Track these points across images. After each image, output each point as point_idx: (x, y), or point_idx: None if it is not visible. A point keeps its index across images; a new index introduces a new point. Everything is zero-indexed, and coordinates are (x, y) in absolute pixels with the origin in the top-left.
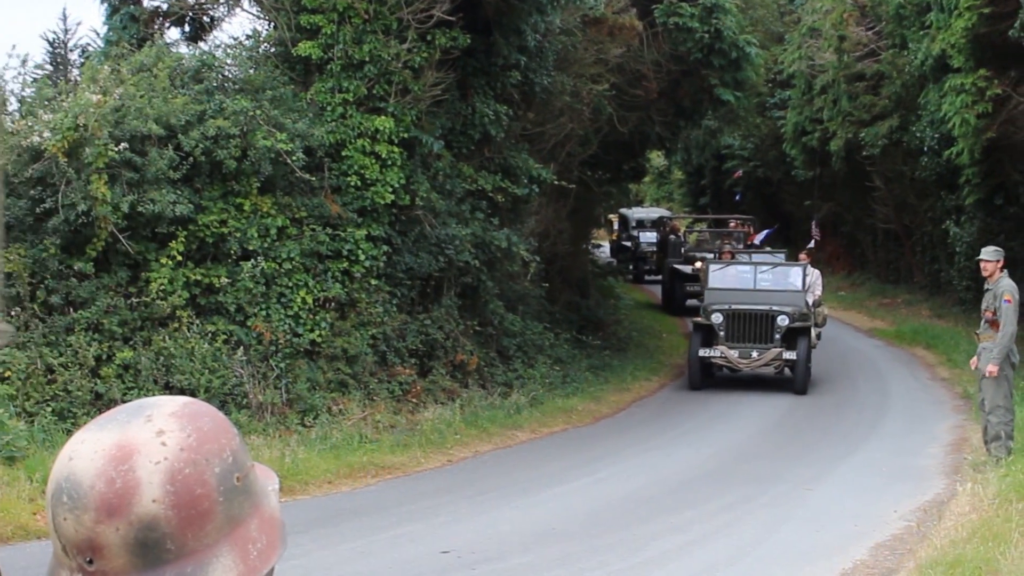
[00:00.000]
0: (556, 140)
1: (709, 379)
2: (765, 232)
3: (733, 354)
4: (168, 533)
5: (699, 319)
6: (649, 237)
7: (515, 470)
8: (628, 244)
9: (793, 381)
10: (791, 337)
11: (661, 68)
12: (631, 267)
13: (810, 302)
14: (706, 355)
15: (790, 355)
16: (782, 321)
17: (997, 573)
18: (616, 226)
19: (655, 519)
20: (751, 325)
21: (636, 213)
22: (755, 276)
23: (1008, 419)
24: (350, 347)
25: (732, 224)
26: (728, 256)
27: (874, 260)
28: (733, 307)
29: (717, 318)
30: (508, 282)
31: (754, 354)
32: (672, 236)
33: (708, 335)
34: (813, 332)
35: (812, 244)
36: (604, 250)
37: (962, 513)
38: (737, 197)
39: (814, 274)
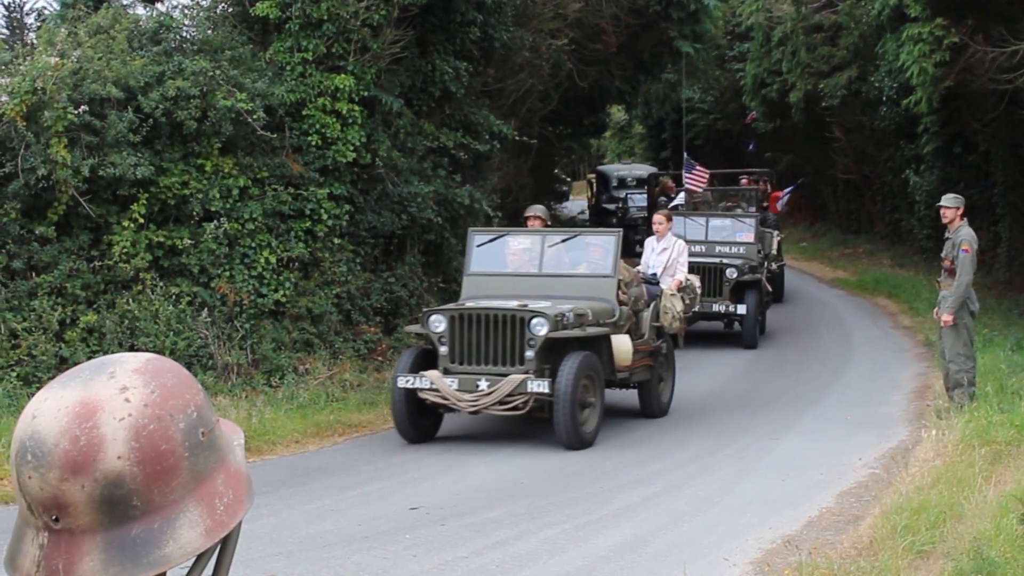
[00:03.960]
0: (516, 96)
1: None
2: (788, 189)
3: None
4: (134, 489)
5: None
6: (640, 200)
7: (482, 426)
8: (612, 208)
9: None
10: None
11: (620, 22)
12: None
13: (665, 286)
14: None
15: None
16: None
17: (961, 517)
18: (594, 187)
19: (621, 472)
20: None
21: (618, 170)
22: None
23: (969, 366)
24: (315, 306)
25: (744, 180)
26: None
27: (835, 211)
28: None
29: None
30: None
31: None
32: (663, 198)
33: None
34: (677, 326)
35: (674, 203)
36: (570, 209)
37: (926, 459)
38: (751, 147)
39: (676, 247)
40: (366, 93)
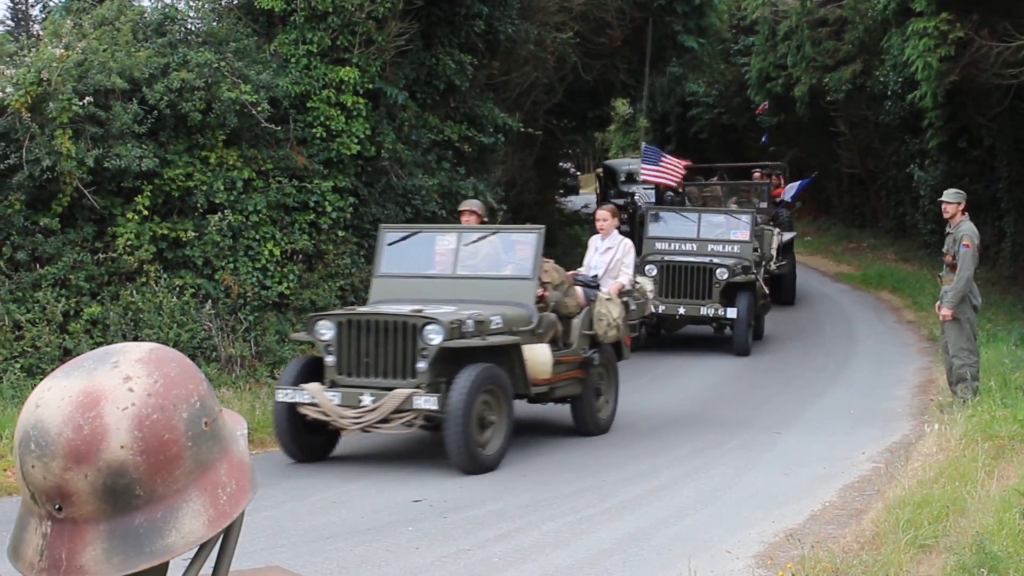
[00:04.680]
0: (521, 89)
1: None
2: (797, 184)
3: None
4: (137, 479)
5: None
6: (650, 196)
7: None
8: (620, 203)
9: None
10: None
11: (625, 15)
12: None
13: (605, 290)
14: None
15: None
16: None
17: (964, 511)
18: (602, 181)
19: (624, 465)
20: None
21: (625, 165)
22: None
23: (972, 360)
24: (318, 299)
25: (756, 174)
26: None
27: (839, 205)
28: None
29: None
30: None
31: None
32: (669, 193)
33: None
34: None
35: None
36: (574, 203)
37: (929, 454)
38: (764, 139)
39: (621, 247)
40: (371, 86)
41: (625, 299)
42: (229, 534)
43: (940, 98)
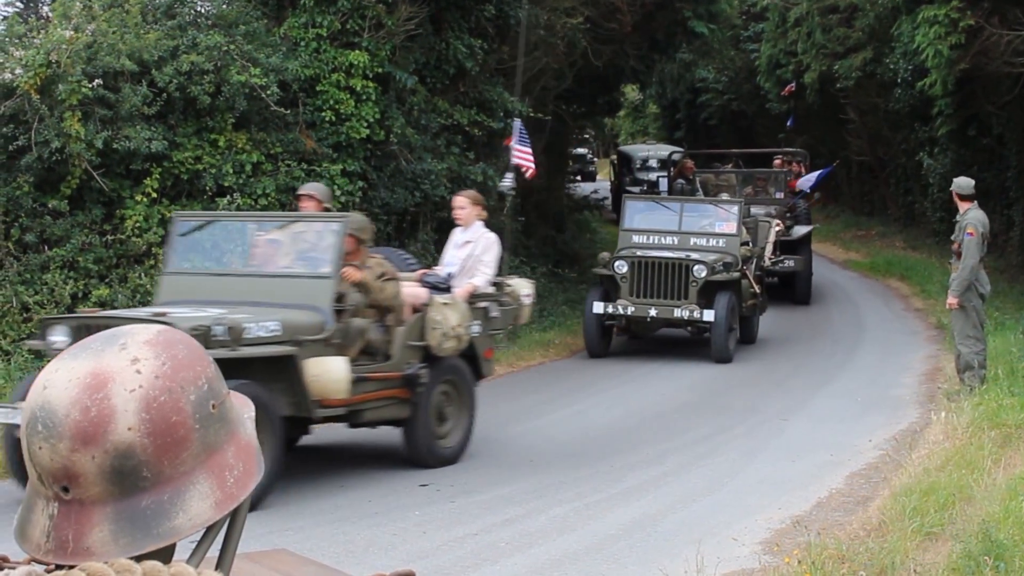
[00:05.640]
0: (531, 74)
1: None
2: (816, 175)
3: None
4: (144, 461)
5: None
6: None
7: (492, 404)
8: (636, 191)
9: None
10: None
11: (635, 1)
12: None
13: (447, 295)
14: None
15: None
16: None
17: (970, 499)
18: (616, 168)
19: (632, 451)
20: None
21: (642, 151)
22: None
23: (979, 348)
24: None
25: (777, 161)
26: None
27: (848, 192)
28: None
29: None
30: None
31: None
32: (680, 180)
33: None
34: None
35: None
36: (583, 190)
37: (936, 441)
38: (789, 123)
39: (482, 242)
40: (380, 70)
41: (484, 304)
42: (236, 517)
43: (950, 86)
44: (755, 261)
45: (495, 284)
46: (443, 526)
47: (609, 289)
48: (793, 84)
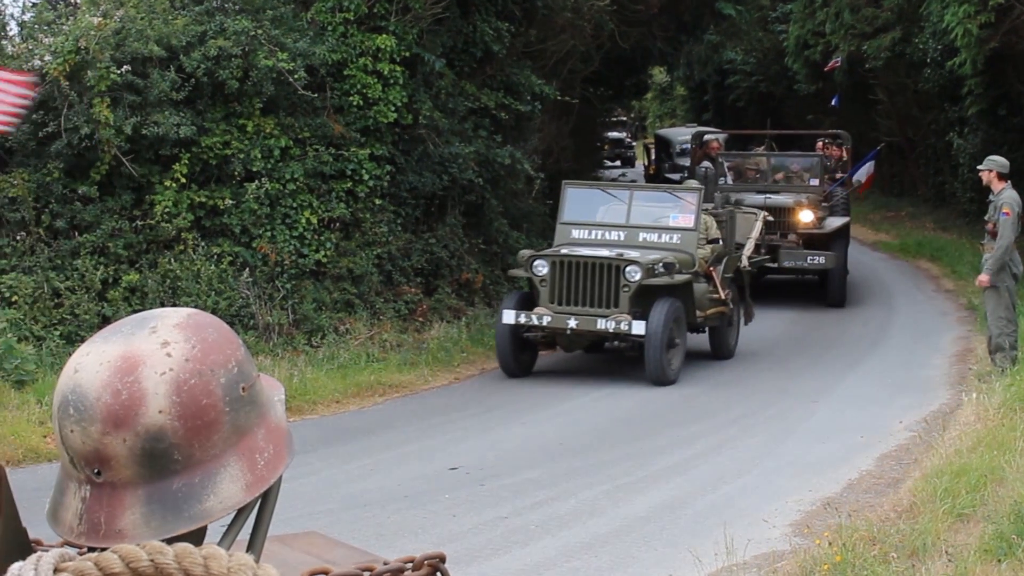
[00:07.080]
0: (558, 57)
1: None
2: (862, 162)
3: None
4: (175, 444)
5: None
6: (709, 170)
7: (522, 386)
8: (676, 177)
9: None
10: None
11: None
12: None
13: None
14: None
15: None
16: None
17: (1002, 480)
18: (649, 153)
19: (661, 433)
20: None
21: (682, 134)
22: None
23: (1011, 330)
24: (355, 267)
25: (819, 145)
26: None
27: (878, 173)
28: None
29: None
30: (512, 200)
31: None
32: (705, 164)
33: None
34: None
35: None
36: (610, 173)
37: (967, 423)
38: (835, 100)
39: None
40: (407, 53)
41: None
42: (267, 499)
43: (980, 65)
44: (725, 261)
45: None
46: (473, 509)
47: (533, 294)
48: (838, 60)
